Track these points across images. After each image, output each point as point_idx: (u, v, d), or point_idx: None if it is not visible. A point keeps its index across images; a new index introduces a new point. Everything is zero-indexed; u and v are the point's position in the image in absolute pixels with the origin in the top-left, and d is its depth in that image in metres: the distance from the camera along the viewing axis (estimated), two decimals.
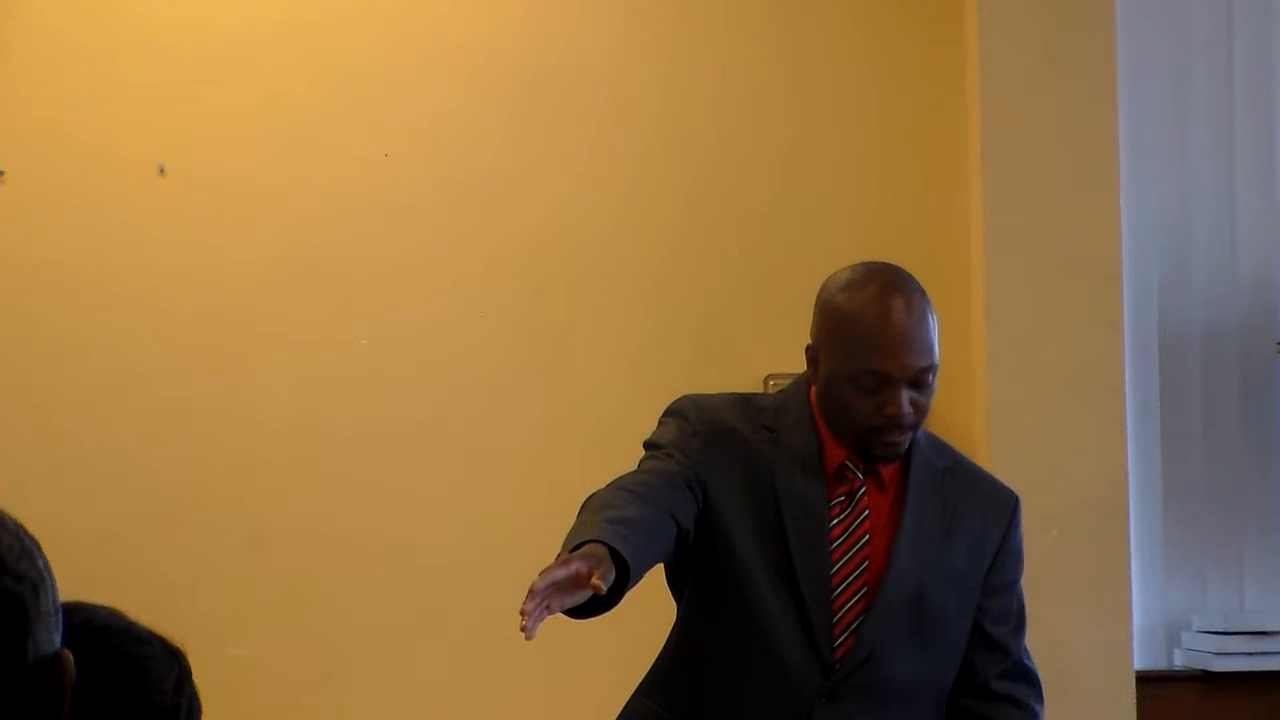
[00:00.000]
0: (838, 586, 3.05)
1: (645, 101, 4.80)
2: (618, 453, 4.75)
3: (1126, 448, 4.63)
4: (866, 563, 3.05)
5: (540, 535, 4.77)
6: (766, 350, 4.75)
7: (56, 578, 1.71)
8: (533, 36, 4.81)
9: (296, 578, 4.73)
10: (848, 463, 3.06)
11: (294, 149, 4.77)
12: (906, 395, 2.97)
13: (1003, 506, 3.15)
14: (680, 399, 3.18)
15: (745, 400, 3.20)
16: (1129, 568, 4.58)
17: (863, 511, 3.06)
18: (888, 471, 3.08)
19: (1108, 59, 4.63)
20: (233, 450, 4.74)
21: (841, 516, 3.06)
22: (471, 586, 4.73)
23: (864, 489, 3.07)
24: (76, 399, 4.74)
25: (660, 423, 3.17)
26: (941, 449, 3.17)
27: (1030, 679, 3.16)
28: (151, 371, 4.75)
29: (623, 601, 4.81)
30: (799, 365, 4.76)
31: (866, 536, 3.06)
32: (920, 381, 2.97)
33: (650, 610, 4.80)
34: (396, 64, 4.79)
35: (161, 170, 4.77)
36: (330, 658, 4.72)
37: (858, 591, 3.05)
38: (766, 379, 4.72)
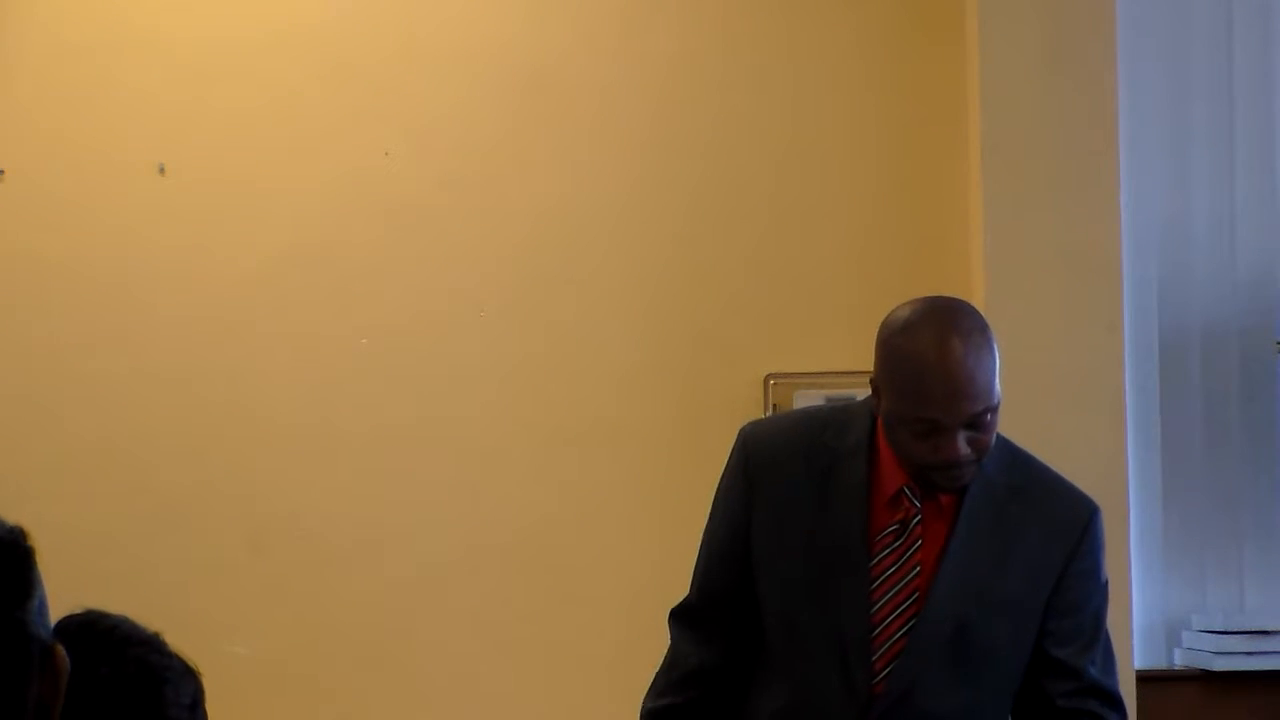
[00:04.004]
0: (884, 619, 2.99)
1: (645, 101, 4.80)
2: (618, 451, 4.76)
3: (1126, 448, 4.62)
4: (916, 594, 2.99)
5: (541, 535, 4.78)
6: (766, 350, 4.74)
7: (57, 578, 1.71)
8: (533, 36, 4.80)
9: (296, 577, 4.73)
10: (905, 490, 3.00)
11: (294, 148, 4.77)
12: (963, 436, 2.88)
13: (1070, 527, 3.05)
14: (746, 426, 3.18)
15: (811, 418, 3.16)
16: (1129, 568, 4.58)
17: (915, 541, 3.00)
18: (947, 498, 3.01)
19: (1108, 59, 4.63)
20: (233, 450, 4.74)
21: (894, 546, 3.00)
22: (472, 586, 4.73)
23: (918, 517, 3.00)
24: (77, 399, 4.74)
25: (726, 463, 3.19)
26: (1015, 467, 3.06)
27: (1105, 696, 3.07)
28: (151, 371, 4.74)
29: (623, 604, 4.84)
30: (799, 365, 4.78)
31: (918, 567, 2.99)
32: (978, 423, 2.89)
33: (651, 609, 4.80)
34: (397, 63, 4.79)
35: (161, 170, 4.77)
36: (330, 657, 4.72)
37: (906, 624, 2.99)
38: (766, 379, 4.72)
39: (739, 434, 3.17)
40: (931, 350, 2.89)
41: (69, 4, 4.78)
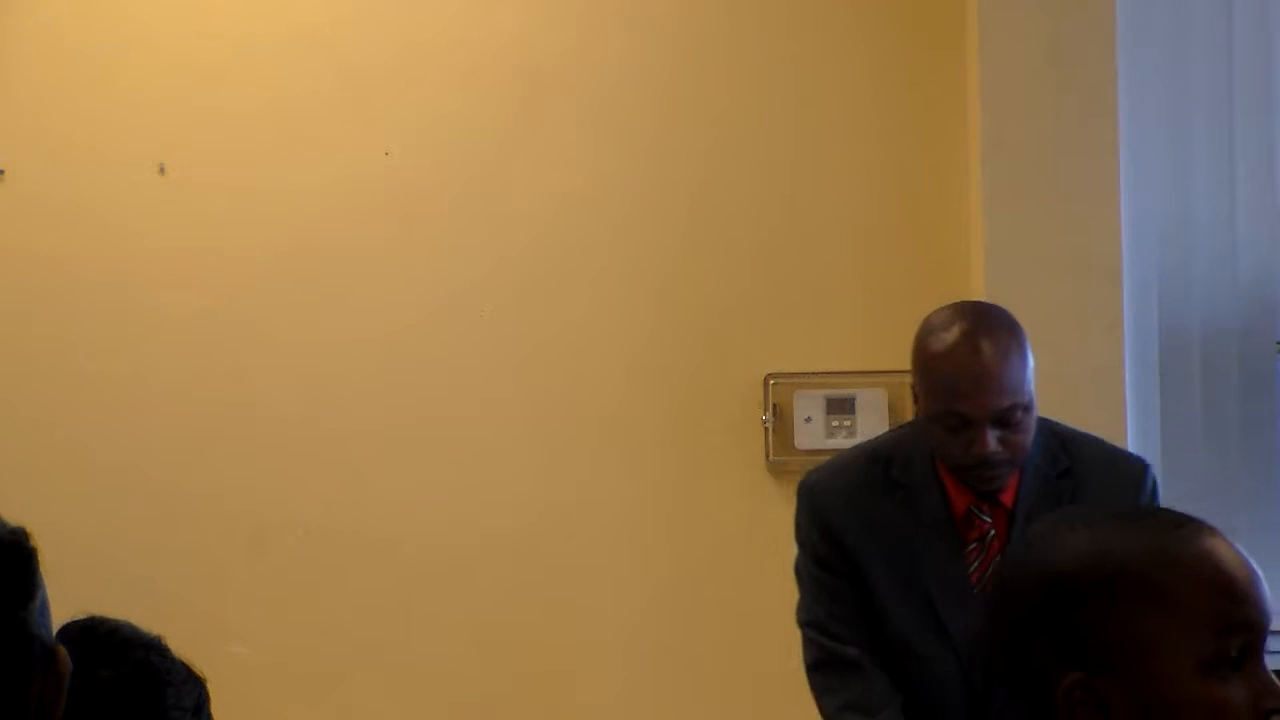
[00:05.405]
0: None
1: (646, 101, 4.80)
2: (618, 451, 4.76)
3: (1127, 448, 4.62)
4: None
5: (541, 535, 4.78)
6: (766, 350, 4.75)
7: (58, 578, 1.71)
8: (534, 36, 4.80)
9: (296, 577, 4.73)
10: (973, 508, 3.11)
11: (294, 148, 4.77)
12: (993, 434, 2.98)
13: (1126, 485, 3.16)
14: (807, 480, 3.23)
15: (870, 458, 3.23)
16: None
17: (995, 556, 3.10)
18: (1008, 499, 3.10)
19: (1108, 59, 4.63)
20: (233, 450, 4.74)
21: (977, 563, 3.10)
22: (473, 586, 4.73)
23: (993, 532, 3.10)
24: (76, 399, 4.74)
25: (795, 520, 3.23)
26: (1059, 452, 3.17)
27: None
28: (151, 371, 4.75)
29: (623, 604, 4.84)
30: (799, 365, 4.78)
31: None
32: (1007, 420, 2.99)
33: (651, 608, 4.81)
34: (397, 62, 4.78)
35: (161, 170, 4.77)
36: (331, 657, 4.72)
37: None
38: (766, 379, 4.72)
39: (800, 491, 3.25)
40: (960, 346, 3.00)
41: (69, 4, 4.77)
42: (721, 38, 4.80)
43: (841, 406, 4.67)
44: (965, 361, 2.99)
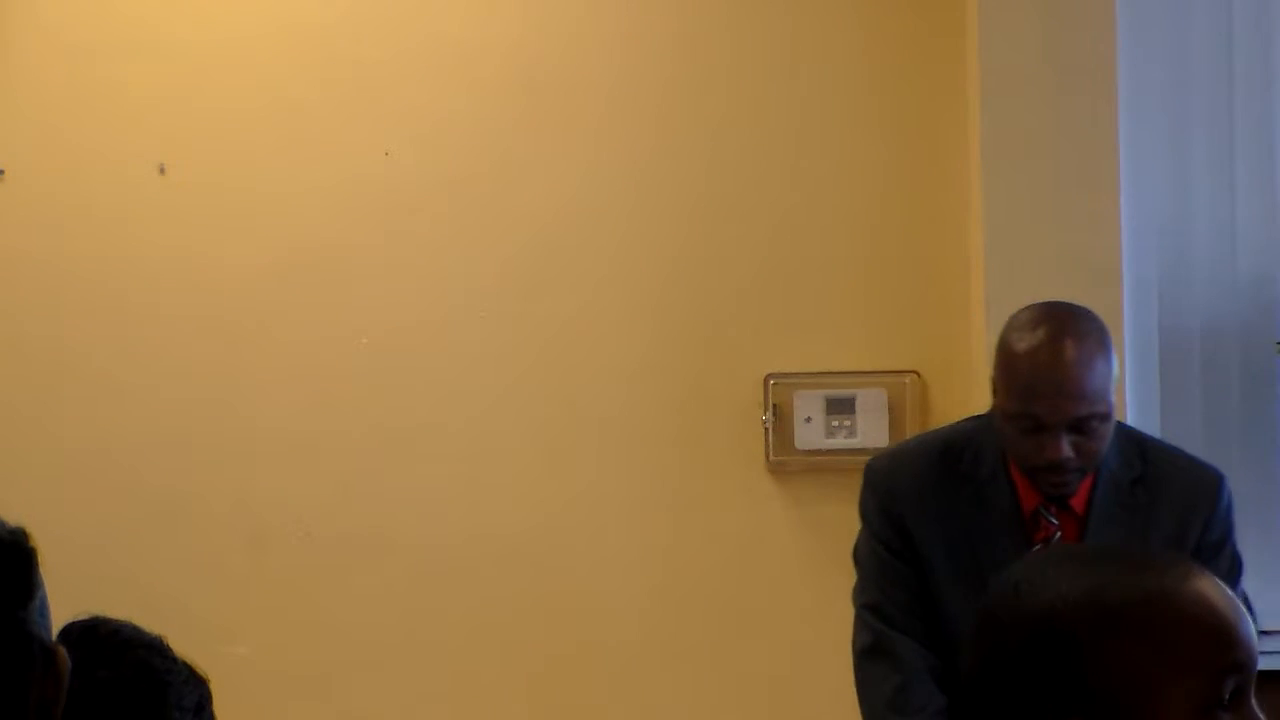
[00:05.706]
0: None
1: (646, 101, 4.80)
2: (618, 452, 4.77)
3: None
4: None
5: (541, 535, 4.78)
6: (766, 350, 4.74)
7: (57, 578, 1.71)
8: (534, 37, 4.80)
9: (296, 578, 4.73)
10: (1041, 509, 3.09)
11: (294, 148, 4.77)
12: (1067, 440, 2.95)
13: (1203, 494, 3.13)
14: (873, 463, 3.20)
15: (939, 447, 3.20)
16: None
17: None
18: (1079, 504, 3.08)
19: (1108, 59, 4.63)
20: (233, 450, 4.74)
21: None
22: (473, 587, 4.73)
23: (1059, 535, 3.08)
24: (76, 399, 4.74)
25: (860, 501, 3.19)
26: (1133, 458, 3.14)
27: None
28: (151, 371, 4.75)
29: (623, 604, 4.84)
30: (799, 365, 4.78)
31: None
32: (1083, 427, 2.96)
33: (651, 608, 4.81)
34: (397, 62, 4.78)
35: (161, 170, 4.77)
36: (330, 657, 4.72)
37: None
38: (766, 379, 4.72)
39: (867, 473, 3.22)
40: (1042, 348, 2.99)
41: (69, 4, 4.78)
42: (721, 41, 4.80)
43: (841, 406, 4.67)
44: (1046, 364, 2.97)
